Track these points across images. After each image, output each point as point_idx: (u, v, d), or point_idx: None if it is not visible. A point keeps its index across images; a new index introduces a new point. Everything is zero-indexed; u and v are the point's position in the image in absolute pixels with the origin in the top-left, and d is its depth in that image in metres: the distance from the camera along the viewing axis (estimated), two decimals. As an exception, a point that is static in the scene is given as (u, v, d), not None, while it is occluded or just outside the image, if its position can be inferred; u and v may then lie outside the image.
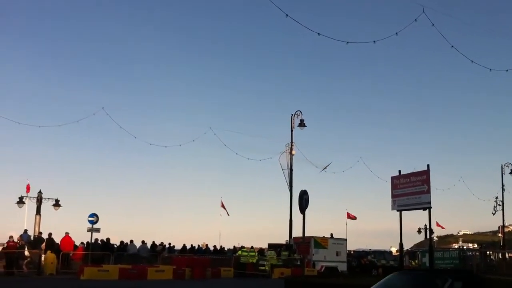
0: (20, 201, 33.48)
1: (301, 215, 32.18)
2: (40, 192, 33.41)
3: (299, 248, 33.68)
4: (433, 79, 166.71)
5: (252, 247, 36.26)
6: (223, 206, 43.22)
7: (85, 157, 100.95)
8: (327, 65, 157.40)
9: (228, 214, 43.11)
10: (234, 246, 39.00)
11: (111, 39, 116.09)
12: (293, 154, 37.13)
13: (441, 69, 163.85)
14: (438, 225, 56.71)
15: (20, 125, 37.35)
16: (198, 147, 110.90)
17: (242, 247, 36.56)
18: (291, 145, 37.18)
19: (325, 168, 39.19)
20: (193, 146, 50.52)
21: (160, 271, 27.39)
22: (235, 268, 32.03)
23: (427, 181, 24.94)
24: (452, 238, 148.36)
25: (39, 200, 33.16)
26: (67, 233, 30.00)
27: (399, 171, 27.30)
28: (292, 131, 37.35)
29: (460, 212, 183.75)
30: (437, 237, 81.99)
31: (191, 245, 36.99)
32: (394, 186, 26.83)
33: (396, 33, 24.49)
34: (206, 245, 38.42)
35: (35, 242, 29.75)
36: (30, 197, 33.42)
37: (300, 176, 42.23)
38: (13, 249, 27.54)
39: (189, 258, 32.29)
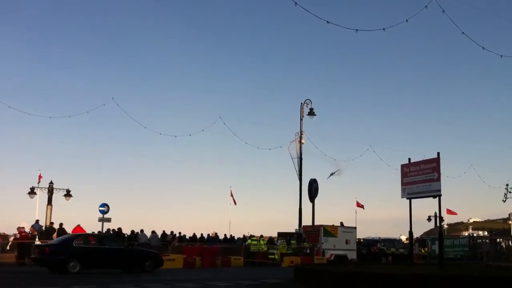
0: (32, 192, 33.77)
1: (311, 204, 32.38)
2: (51, 182, 33.68)
3: (308, 237, 33.78)
4: (443, 66, 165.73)
5: (261, 236, 36.40)
6: (232, 195, 43.41)
7: (96, 147, 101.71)
8: (337, 54, 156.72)
9: (235, 204, 43.31)
10: (243, 235, 39.19)
11: (120, 30, 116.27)
12: (303, 143, 37.12)
13: (451, 56, 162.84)
14: (449, 211, 56.50)
15: (31, 116, 37.76)
16: (207, 137, 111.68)
17: (252, 236, 36.75)
18: (301, 134, 37.16)
19: (332, 174, 39.20)
20: (203, 136, 50.86)
21: (170, 260, 27.56)
22: (245, 256, 32.19)
23: (437, 169, 24.82)
24: (462, 225, 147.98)
25: (50, 191, 33.42)
26: (78, 225, 30.32)
27: (409, 159, 27.17)
28: (301, 120, 37.31)
29: (471, 200, 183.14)
30: (447, 224, 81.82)
31: (201, 234, 37.22)
32: (403, 174, 26.74)
33: (406, 20, 24.21)
34: (216, 234, 38.63)
35: (47, 232, 30.05)
36: (42, 187, 33.72)
37: (309, 165, 42.15)
38: (24, 239, 27.85)
39: (199, 247, 32.50)
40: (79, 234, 24.19)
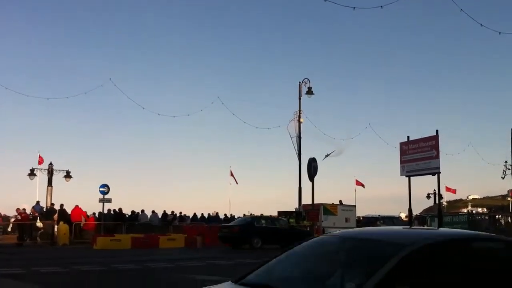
0: (31, 173, 33.83)
1: (310, 183, 32.48)
2: (51, 164, 33.72)
3: (308, 215, 33.95)
4: (441, 44, 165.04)
5: (261, 215, 36.56)
6: (232, 175, 43.53)
7: (94, 128, 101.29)
8: (334, 32, 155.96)
9: (237, 183, 43.49)
10: (244, 214, 39.36)
11: (117, 9, 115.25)
12: (302, 122, 37.05)
13: (449, 33, 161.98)
14: (448, 189, 56.70)
15: (29, 98, 37.68)
16: (206, 116, 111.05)
17: (252, 215, 36.87)
18: (299, 113, 37.07)
19: (328, 155, 39.08)
20: (201, 115, 50.81)
21: (171, 240, 27.77)
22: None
23: (436, 147, 24.89)
24: (461, 202, 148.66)
25: (50, 172, 33.48)
26: (77, 205, 30.49)
27: (408, 137, 27.25)
28: (300, 99, 37.20)
29: (469, 177, 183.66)
30: (446, 202, 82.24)
31: (202, 214, 37.42)
32: (402, 152, 26.81)
33: (404, -3, 24.08)
34: (217, 213, 38.82)
35: (48, 213, 30.21)
36: (41, 169, 33.76)
37: (308, 144, 42.20)
38: (25, 220, 28.02)
39: (200, 226, 32.70)
40: (258, 217, 30.25)
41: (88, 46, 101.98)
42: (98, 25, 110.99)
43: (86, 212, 31.47)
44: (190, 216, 37.39)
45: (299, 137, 36.69)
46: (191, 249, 26.18)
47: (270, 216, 33.90)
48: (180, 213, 36.63)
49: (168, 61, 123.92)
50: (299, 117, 36.89)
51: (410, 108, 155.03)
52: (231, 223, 29.05)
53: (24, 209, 29.16)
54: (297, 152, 36.52)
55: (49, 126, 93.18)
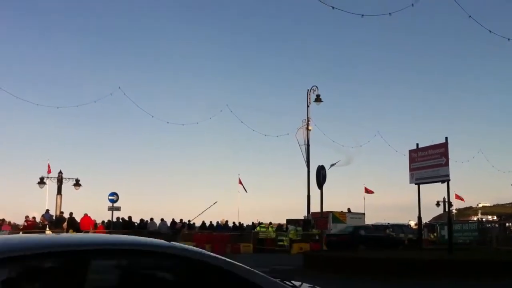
0: (41, 182, 33.99)
1: (319, 191, 32.38)
2: (60, 172, 33.88)
3: (317, 223, 33.86)
4: (450, 50, 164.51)
5: (270, 223, 36.51)
6: (240, 183, 43.49)
7: (104, 136, 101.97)
8: (343, 39, 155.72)
9: (246, 191, 43.43)
10: (252, 222, 39.33)
11: (127, 18, 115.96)
12: (310, 130, 37.04)
13: (458, 39, 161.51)
14: (457, 197, 56.31)
15: (39, 107, 37.92)
16: (215, 124, 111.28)
17: (261, 223, 36.83)
18: (308, 121, 37.07)
19: (333, 164, 39.03)
20: (210, 123, 50.78)
21: (180, 248, 27.74)
22: (254, 243, 32.33)
23: (445, 154, 24.77)
24: (471, 210, 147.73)
25: (60, 180, 33.63)
26: (85, 214, 30.58)
27: (417, 144, 27.13)
28: (308, 106, 37.21)
29: (479, 184, 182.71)
30: (456, 209, 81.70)
31: (210, 222, 37.39)
32: (412, 160, 26.70)
33: (412, 5, 24.01)
34: (226, 221, 38.79)
35: (57, 221, 30.33)
36: (51, 177, 33.94)
37: (317, 152, 42.13)
38: (31, 228, 28.07)
39: (208, 234, 32.68)
40: (362, 226, 33.84)
41: (98, 55, 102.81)
42: (108, 34, 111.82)
43: (95, 220, 31.58)
44: (199, 224, 37.40)
45: (308, 145, 36.67)
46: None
47: (372, 225, 38.96)
48: (189, 221, 36.65)
49: (177, 70, 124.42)
50: (308, 124, 36.89)
51: (419, 115, 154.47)
52: (338, 232, 32.59)
53: (34, 218, 29.27)
54: (305, 159, 36.50)
55: (59, 135, 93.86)
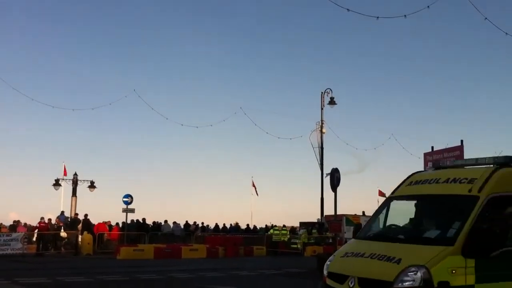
0: (56, 184, 34.18)
1: (333, 193, 32.24)
2: (75, 174, 34.07)
3: (331, 226, 33.73)
4: (466, 53, 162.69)
5: (284, 226, 36.45)
6: (253, 185, 43.43)
7: (118, 139, 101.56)
8: (357, 41, 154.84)
9: (257, 195, 43.29)
10: (266, 225, 39.29)
11: (142, 21, 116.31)
12: (324, 133, 36.90)
13: (474, 42, 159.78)
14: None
15: (54, 109, 38.01)
16: (228, 127, 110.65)
17: (274, 225, 36.77)
18: (322, 124, 36.93)
19: (328, 174, 38.77)
20: (224, 126, 50.22)
21: (194, 250, 27.80)
22: (267, 246, 32.28)
23: (460, 157, 24.55)
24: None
25: (75, 182, 33.82)
26: (100, 222, 30.78)
27: (432, 147, 26.95)
28: (322, 109, 37.09)
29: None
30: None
31: (224, 224, 37.42)
32: (426, 163, 26.54)
33: (428, 6, 23.84)
34: (236, 223, 38.79)
35: (72, 223, 30.49)
36: (66, 179, 34.14)
37: (331, 155, 42.02)
38: (44, 230, 28.19)
39: (222, 237, 32.70)
40: None
41: (112, 58, 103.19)
42: (123, 37, 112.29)
43: (109, 221, 31.84)
44: (212, 227, 37.46)
45: (321, 148, 36.54)
46: (213, 259, 26.20)
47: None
48: (202, 223, 36.74)
49: (191, 72, 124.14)
50: (321, 127, 36.75)
51: (434, 118, 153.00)
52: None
53: (49, 219, 29.45)
54: (319, 162, 36.38)
55: (74, 137, 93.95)
